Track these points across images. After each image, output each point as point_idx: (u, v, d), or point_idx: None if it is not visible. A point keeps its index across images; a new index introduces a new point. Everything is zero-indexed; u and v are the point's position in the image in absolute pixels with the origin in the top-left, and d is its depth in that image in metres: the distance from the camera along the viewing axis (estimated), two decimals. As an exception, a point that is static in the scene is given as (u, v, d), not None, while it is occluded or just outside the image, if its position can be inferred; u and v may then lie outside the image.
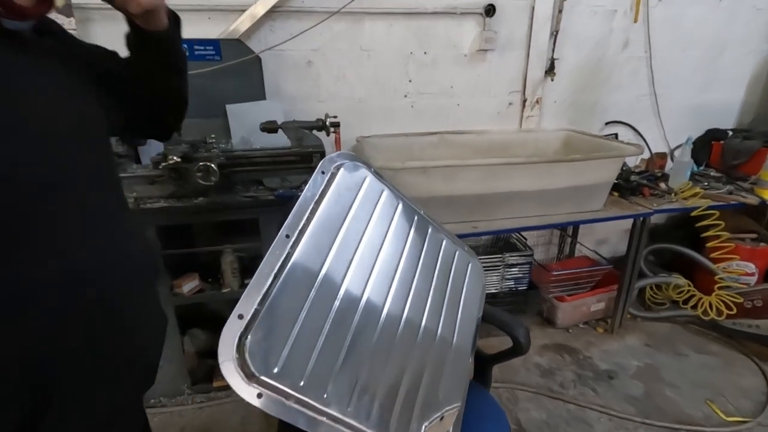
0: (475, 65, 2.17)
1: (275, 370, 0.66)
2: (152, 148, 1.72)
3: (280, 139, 1.76)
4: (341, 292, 0.79)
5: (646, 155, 2.59)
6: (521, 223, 1.87)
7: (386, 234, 0.92)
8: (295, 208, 0.80)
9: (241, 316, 0.67)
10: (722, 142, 2.48)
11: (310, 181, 0.85)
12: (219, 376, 1.86)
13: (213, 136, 1.65)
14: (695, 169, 2.45)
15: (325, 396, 0.71)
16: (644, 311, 2.40)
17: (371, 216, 0.91)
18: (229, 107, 1.88)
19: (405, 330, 0.87)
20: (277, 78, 1.95)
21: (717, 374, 1.97)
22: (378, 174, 0.96)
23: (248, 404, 0.65)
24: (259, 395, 0.64)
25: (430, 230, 1.01)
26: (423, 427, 0.81)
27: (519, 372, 1.99)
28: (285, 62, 1.95)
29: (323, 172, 0.87)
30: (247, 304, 0.68)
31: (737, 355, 2.09)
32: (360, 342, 0.79)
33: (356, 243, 0.86)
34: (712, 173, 2.40)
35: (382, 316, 0.85)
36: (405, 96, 2.16)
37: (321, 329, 0.75)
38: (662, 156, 2.59)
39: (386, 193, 0.96)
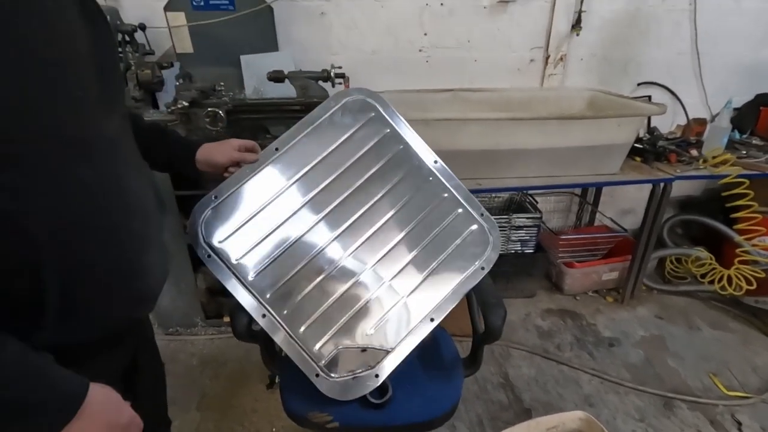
0: (494, 17, 2.07)
1: (217, 242, 0.90)
2: (170, 94, 1.81)
3: (290, 90, 1.80)
4: (301, 205, 0.94)
5: (683, 121, 2.41)
6: (528, 183, 1.83)
7: (374, 169, 0.99)
8: (294, 127, 1.00)
9: (216, 197, 0.93)
10: (772, 107, 2.26)
11: (317, 107, 1.00)
12: (229, 311, 2.01)
13: (222, 83, 1.71)
14: (736, 136, 2.26)
15: (250, 278, 0.89)
16: (662, 284, 2.31)
17: (364, 150, 0.99)
18: (243, 58, 1.92)
19: (354, 259, 0.92)
20: (290, 29, 1.97)
21: (729, 350, 1.88)
22: (393, 115, 1.03)
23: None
24: (209, 256, 0.89)
25: (431, 179, 1.01)
26: (336, 346, 0.88)
27: (517, 331, 2.00)
28: (297, 12, 1.95)
29: (334, 103, 1.01)
30: (223, 189, 0.93)
31: (756, 333, 1.98)
32: (301, 250, 0.91)
33: (337, 169, 0.97)
34: (754, 141, 2.20)
35: (336, 237, 0.93)
36: (420, 50, 2.11)
37: (267, 227, 0.92)
38: (701, 122, 2.38)
39: (389, 132, 1.01)
